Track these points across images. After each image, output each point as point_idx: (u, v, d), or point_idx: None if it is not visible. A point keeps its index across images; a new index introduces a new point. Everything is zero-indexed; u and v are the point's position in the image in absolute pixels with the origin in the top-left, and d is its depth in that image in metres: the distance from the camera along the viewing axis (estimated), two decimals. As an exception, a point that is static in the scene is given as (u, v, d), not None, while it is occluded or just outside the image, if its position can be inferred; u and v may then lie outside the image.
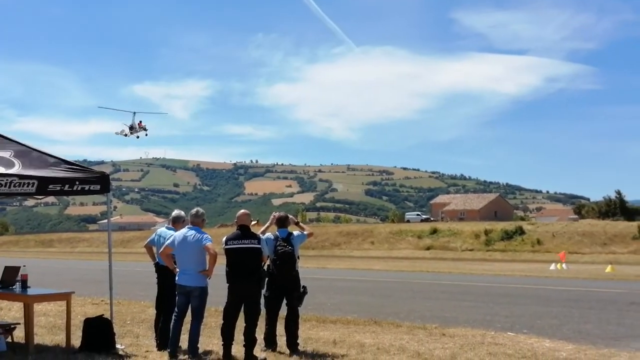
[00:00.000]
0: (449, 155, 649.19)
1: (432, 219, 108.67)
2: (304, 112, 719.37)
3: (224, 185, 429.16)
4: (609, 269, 41.13)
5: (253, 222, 9.63)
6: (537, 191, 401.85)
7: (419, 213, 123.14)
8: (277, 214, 10.01)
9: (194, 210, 9.53)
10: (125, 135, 61.94)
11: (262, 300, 9.43)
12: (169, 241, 9.40)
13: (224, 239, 9.25)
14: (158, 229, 10.72)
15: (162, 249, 9.61)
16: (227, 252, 9.15)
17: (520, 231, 72.17)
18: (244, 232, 9.19)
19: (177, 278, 9.22)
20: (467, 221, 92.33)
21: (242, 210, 9.53)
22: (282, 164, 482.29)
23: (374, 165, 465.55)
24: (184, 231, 9.34)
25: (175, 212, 10.26)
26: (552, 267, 44.59)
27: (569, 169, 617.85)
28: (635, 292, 22.94)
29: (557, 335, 12.36)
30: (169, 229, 10.11)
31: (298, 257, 9.73)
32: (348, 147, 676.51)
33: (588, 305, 18.01)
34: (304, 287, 9.75)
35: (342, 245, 79.57)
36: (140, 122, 61.39)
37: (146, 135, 61.77)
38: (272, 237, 9.64)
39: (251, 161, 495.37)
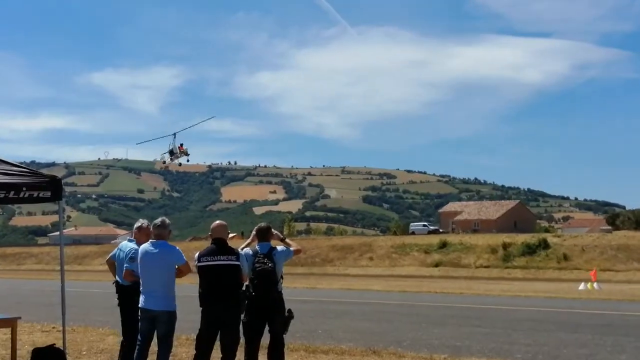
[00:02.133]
0: (462, 156, 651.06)
1: (441, 230, 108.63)
2: (292, 106, 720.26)
3: (197, 191, 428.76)
4: (647, 289, 41.22)
5: (231, 235, 9.64)
6: (563, 198, 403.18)
7: (425, 224, 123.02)
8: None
9: (158, 220, 9.49)
10: (164, 162, 62.41)
11: (241, 327, 9.42)
12: (127, 264, 9.45)
13: (197, 255, 9.23)
14: (121, 242, 10.71)
15: (123, 273, 9.65)
16: (200, 270, 9.14)
17: (544, 245, 72.30)
18: (220, 246, 9.18)
19: (140, 301, 9.19)
20: (482, 233, 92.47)
21: (218, 221, 9.51)
22: (266, 166, 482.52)
23: (373, 168, 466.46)
24: (147, 246, 9.31)
25: (139, 222, 10.25)
26: (582, 286, 44.65)
27: (602, 172, 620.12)
28: (677, 316, 23.00)
29: (587, 367, 12.37)
30: (130, 241, 10.10)
31: (281, 277, 9.71)
32: (343, 147, 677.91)
33: (623, 332, 18.03)
34: (289, 310, 9.72)
35: (335, 262, 79.47)
36: (182, 145, 61.34)
37: (188, 161, 62.35)
38: (251, 252, 9.62)
39: (229, 163, 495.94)
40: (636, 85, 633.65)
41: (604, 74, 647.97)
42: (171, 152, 60.40)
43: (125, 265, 9.83)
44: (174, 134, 61.31)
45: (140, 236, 9.92)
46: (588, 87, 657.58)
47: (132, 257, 9.72)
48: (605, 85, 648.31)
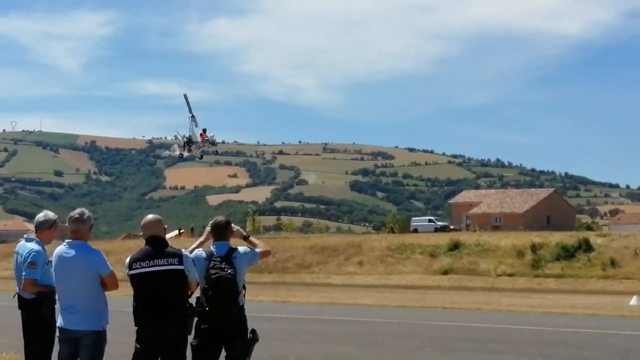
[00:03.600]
0: (479, 130, 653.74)
1: (452, 227, 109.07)
2: (258, 63, 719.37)
3: (134, 173, 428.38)
4: None
5: (173, 233, 9.62)
6: (612, 185, 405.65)
7: (432, 218, 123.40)
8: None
9: (75, 212, 9.43)
10: (181, 156, 61.39)
11: (190, 352, 9.43)
12: (26, 271, 9.39)
13: (128, 259, 9.26)
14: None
15: (22, 284, 9.61)
16: (133, 279, 9.15)
17: (586, 246, 72.73)
18: (157, 247, 9.19)
19: (59, 319, 9.17)
20: (506, 231, 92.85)
21: (150, 215, 9.54)
22: (224, 142, 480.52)
23: (363, 145, 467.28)
24: (62, 248, 9.25)
25: (41, 215, 10.17)
26: (634, 301, 44.98)
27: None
28: None
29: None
30: (29, 240, 10.03)
31: (244, 287, 9.71)
32: (325, 117, 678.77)
33: (686, 360, 18.20)
34: (252, 331, 9.73)
35: (314, 267, 79.59)
36: (204, 131, 60.26)
37: (217, 152, 61.50)
38: (204, 254, 9.59)
39: (175, 137, 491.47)
40: None
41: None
42: (189, 141, 59.24)
43: (23, 274, 9.78)
44: (192, 116, 60.34)
45: (43, 234, 9.86)
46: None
47: (31, 261, 9.67)
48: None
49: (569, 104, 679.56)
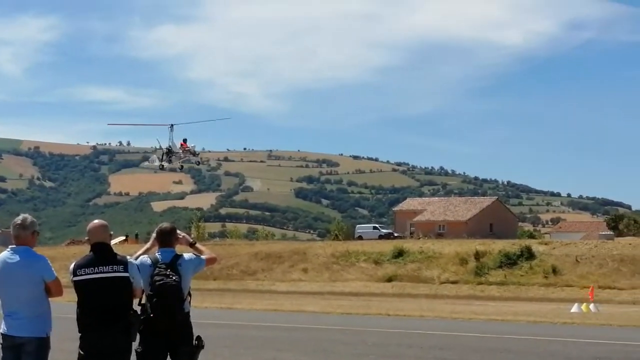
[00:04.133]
0: (423, 139, 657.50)
1: (396, 234, 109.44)
2: (203, 70, 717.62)
3: (78, 179, 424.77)
4: (657, 311, 42.14)
5: (119, 239, 9.55)
6: (553, 194, 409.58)
7: (376, 226, 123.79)
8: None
9: (18, 218, 9.35)
10: (162, 167, 60.01)
11: (135, 358, 9.35)
12: None
13: (72, 266, 9.15)
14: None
15: None
16: (77, 286, 9.05)
17: (528, 254, 73.33)
18: (102, 254, 9.11)
19: (2, 326, 9.07)
20: (449, 239, 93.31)
21: (96, 221, 9.43)
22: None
23: (309, 152, 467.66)
24: (5, 254, 9.14)
25: None
26: (575, 308, 45.44)
27: (602, 163, 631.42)
28: (695, 347, 23.54)
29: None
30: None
31: (189, 294, 9.65)
32: (270, 124, 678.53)
33: (626, 367, 18.39)
34: (198, 338, 9.68)
35: (258, 274, 79.46)
36: (185, 141, 58.98)
37: (199, 163, 60.24)
38: (149, 261, 9.52)
39: (120, 143, 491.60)
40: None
41: (605, 36, 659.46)
42: (168, 152, 58.11)
43: None
44: (171, 126, 59.31)
45: None
46: (584, 52, 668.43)
47: None
48: (606, 50, 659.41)
49: (512, 113, 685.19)
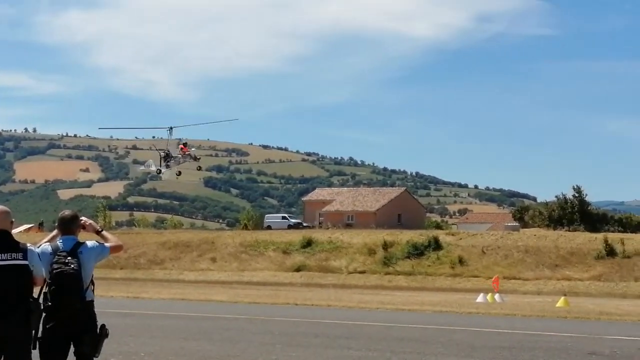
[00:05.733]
0: (333, 129, 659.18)
1: (305, 224, 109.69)
2: (111, 56, 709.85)
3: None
4: (561, 302, 42.91)
5: (23, 227, 9.41)
6: (460, 185, 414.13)
7: (285, 215, 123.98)
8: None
9: None
10: (159, 172, 56.88)
11: (38, 348, 9.23)
12: None
13: (-30, 254, 8.99)
14: None
15: None
16: (-25, 274, 8.91)
17: (436, 245, 74.06)
18: (2, 241, 9.00)
19: None
20: (358, 229, 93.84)
21: (-2, 207, 9.31)
22: (76, 136, 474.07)
23: (218, 141, 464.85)
24: None
25: None
26: (480, 298, 46.00)
27: (508, 155, 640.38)
28: (596, 337, 24.01)
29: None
30: None
31: (92, 282, 9.54)
32: (179, 112, 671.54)
33: (529, 357, 18.69)
34: (102, 327, 9.58)
35: (166, 263, 79.02)
36: (185, 145, 56.47)
37: (200, 169, 57.18)
38: (50, 249, 9.40)
39: (25, 130, 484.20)
40: (553, 45, 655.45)
41: (513, 30, 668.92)
42: (167, 156, 55.90)
43: None
44: (170, 128, 57.31)
45: None
46: (493, 45, 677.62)
47: None
48: (514, 44, 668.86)
49: (420, 105, 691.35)
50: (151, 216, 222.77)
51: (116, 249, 9.89)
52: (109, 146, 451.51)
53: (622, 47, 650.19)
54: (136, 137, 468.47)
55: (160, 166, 57.09)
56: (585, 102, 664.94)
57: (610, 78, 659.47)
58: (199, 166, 57.86)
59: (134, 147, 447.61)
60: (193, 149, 56.87)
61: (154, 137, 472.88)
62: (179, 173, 57.77)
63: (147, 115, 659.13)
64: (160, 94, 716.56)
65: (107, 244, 9.78)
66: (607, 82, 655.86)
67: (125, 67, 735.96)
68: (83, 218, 9.87)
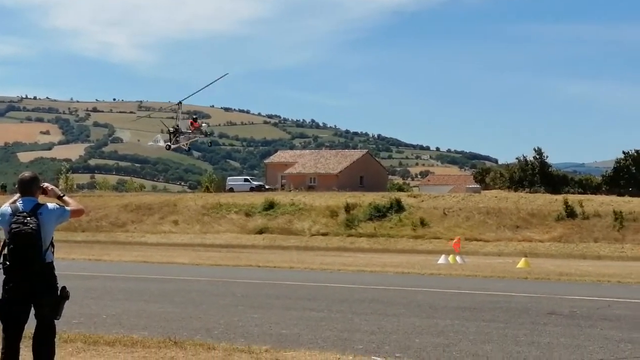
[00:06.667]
0: (294, 91, 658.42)
1: (267, 187, 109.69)
2: (69, 18, 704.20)
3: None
4: (521, 263, 43.26)
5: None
6: (422, 148, 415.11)
7: (247, 178, 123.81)
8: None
9: None
10: (168, 147, 55.10)
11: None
12: None
13: None
14: None
15: None
16: None
17: (398, 207, 74.45)
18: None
19: None
20: (320, 191, 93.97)
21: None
22: (36, 98, 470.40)
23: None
24: None
25: None
26: (442, 259, 46.29)
27: (469, 117, 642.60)
28: (556, 297, 24.25)
29: (444, 359, 12.85)
30: None
31: (52, 244, 9.49)
32: (139, 75, 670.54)
33: (490, 317, 18.84)
34: (63, 289, 9.55)
35: (128, 226, 78.88)
36: (195, 119, 54.66)
37: (210, 144, 54.52)
38: (10, 210, 9.34)
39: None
40: (515, 7, 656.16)
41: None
42: (175, 131, 54.40)
43: None
44: (179, 103, 56.00)
45: None
46: (456, 7, 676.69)
47: None
48: (476, 5, 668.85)
49: (381, 68, 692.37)
50: (112, 179, 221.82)
51: (77, 212, 9.83)
52: (69, 108, 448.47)
53: (581, 10, 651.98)
54: (97, 100, 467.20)
55: (170, 141, 55.91)
56: (545, 65, 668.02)
57: (570, 42, 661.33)
58: (210, 141, 56.24)
59: (95, 110, 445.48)
60: (204, 125, 55.48)
61: (114, 99, 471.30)
62: (189, 149, 56.51)
63: (107, 77, 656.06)
64: (120, 56, 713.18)
65: (68, 207, 9.73)
66: (567, 45, 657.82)
67: (83, 28, 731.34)
68: (45, 184, 9.82)
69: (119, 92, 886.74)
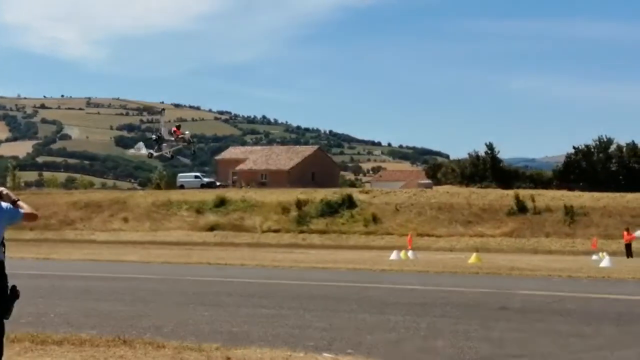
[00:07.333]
0: (245, 87, 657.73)
1: (218, 183, 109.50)
2: (17, 13, 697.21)
3: None
4: (473, 258, 43.57)
5: None
6: (374, 143, 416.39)
7: (198, 174, 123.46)
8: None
9: None
10: (150, 155, 54.02)
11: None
12: None
13: None
14: None
15: None
16: None
17: (349, 203, 74.60)
18: None
19: None
20: (272, 188, 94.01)
21: None
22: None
23: (129, 100, 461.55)
24: None
25: None
26: (394, 255, 46.48)
27: (421, 113, 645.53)
28: (507, 292, 24.42)
29: (395, 356, 12.90)
30: None
31: (3, 243, 9.44)
32: (88, 71, 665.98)
33: (441, 312, 18.96)
34: (13, 288, 9.50)
35: (77, 224, 78.40)
36: (178, 127, 53.83)
37: (194, 152, 54.80)
38: (-40, 211, 9.28)
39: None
40: (461, 3, 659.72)
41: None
42: (158, 139, 53.50)
43: None
44: (162, 110, 55.62)
45: None
46: (401, 3, 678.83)
47: None
48: (426, 3, 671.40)
49: (333, 63, 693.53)
50: (61, 176, 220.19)
51: (30, 216, 9.75)
52: (16, 105, 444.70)
53: (524, 6, 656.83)
54: (45, 96, 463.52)
55: (152, 149, 55.49)
56: (496, 61, 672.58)
57: (519, 37, 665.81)
58: (194, 150, 56.13)
59: (43, 106, 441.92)
60: (187, 132, 55.12)
61: (62, 95, 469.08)
62: (172, 157, 56.23)
63: (55, 73, 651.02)
64: (68, 52, 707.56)
65: (22, 210, 9.66)
66: (518, 41, 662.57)
67: (32, 24, 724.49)
68: (0, 187, 9.73)
69: (67, 88, 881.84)
